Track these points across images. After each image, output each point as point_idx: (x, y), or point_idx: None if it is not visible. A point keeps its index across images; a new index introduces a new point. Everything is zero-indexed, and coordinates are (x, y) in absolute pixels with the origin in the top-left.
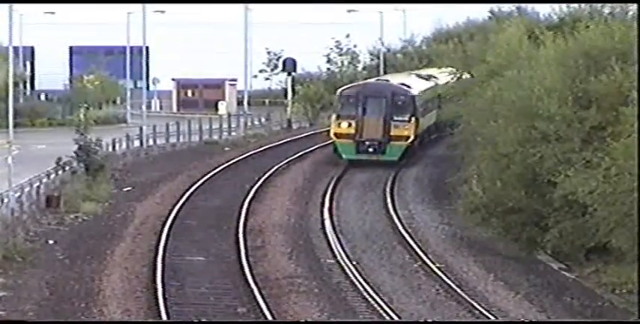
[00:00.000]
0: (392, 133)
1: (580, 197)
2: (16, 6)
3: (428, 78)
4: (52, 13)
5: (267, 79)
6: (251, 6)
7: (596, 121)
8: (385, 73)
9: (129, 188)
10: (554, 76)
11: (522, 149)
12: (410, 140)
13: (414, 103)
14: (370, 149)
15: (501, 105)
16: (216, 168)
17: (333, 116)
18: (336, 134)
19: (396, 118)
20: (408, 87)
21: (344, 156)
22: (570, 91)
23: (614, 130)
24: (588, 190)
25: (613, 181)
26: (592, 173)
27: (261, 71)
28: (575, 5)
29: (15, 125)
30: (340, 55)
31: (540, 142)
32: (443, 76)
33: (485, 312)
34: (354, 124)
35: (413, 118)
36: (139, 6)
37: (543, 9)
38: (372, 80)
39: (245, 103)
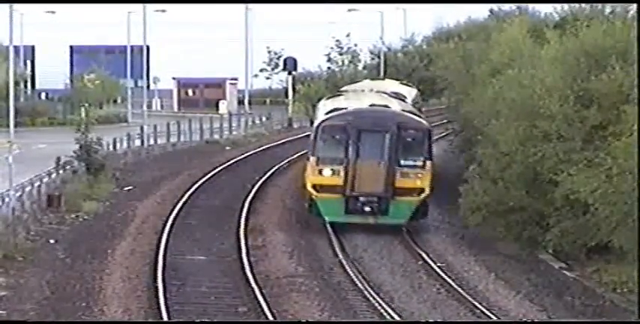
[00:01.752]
0: (398, 185)
1: (582, 196)
2: (16, 5)
3: (399, 97)
4: (53, 12)
5: (267, 78)
6: (251, 6)
7: (597, 121)
8: (385, 73)
9: (130, 187)
10: (555, 74)
11: (523, 148)
12: (424, 194)
13: (429, 140)
14: (366, 208)
15: (503, 104)
16: (217, 167)
17: (311, 159)
18: (315, 186)
19: (404, 162)
20: (418, 116)
21: (327, 218)
22: (571, 90)
23: (614, 130)
24: (590, 190)
25: (614, 181)
26: (593, 172)
27: (261, 70)
28: (576, 5)
29: (16, 124)
30: (341, 54)
31: (541, 141)
32: (405, 91)
33: (486, 311)
34: (342, 171)
35: (428, 162)
36: (139, 5)
37: (544, 8)
38: (347, 104)
39: (246, 102)
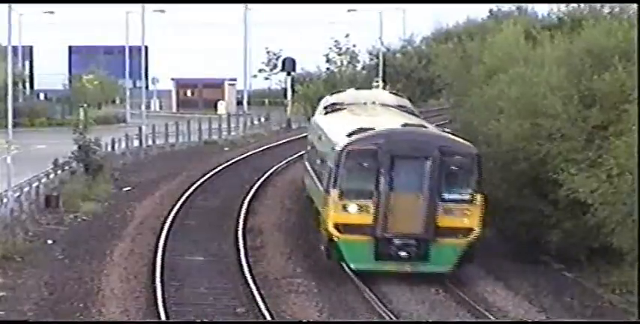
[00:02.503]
0: (441, 224)
1: (582, 196)
2: (15, 6)
3: (409, 111)
4: (52, 12)
5: (266, 78)
6: (251, 6)
7: (598, 120)
8: (385, 73)
9: (128, 188)
10: (559, 74)
11: (525, 144)
12: (473, 236)
13: (478, 168)
14: (402, 253)
15: (504, 102)
16: (216, 168)
17: (332, 192)
18: (338, 226)
19: (448, 195)
20: (463, 139)
21: (353, 265)
22: (577, 89)
23: (616, 129)
24: (590, 189)
25: (615, 181)
26: (593, 172)
27: (260, 71)
28: (575, 5)
29: (14, 125)
30: (339, 54)
31: (544, 140)
32: (408, 103)
33: (484, 312)
34: (371, 207)
35: (478, 196)
36: (138, 6)
37: (543, 9)
38: (377, 125)
39: (244, 102)
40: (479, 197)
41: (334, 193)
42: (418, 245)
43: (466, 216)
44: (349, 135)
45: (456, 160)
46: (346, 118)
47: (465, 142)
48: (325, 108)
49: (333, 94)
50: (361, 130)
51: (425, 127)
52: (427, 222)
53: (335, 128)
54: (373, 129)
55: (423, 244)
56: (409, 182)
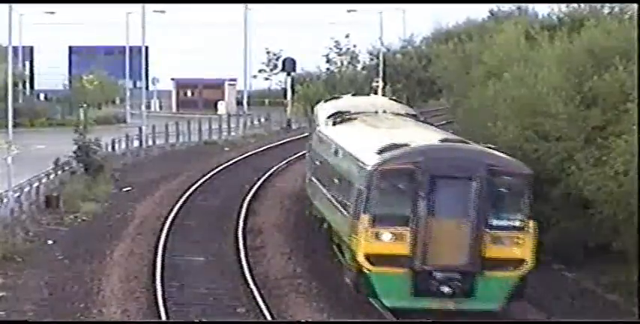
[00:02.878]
0: (489, 255)
1: (586, 195)
2: (15, 6)
3: (425, 122)
4: (52, 13)
5: (266, 79)
6: (251, 6)
7: (599, 120)
8: (385, 73)
9: (128, 188)
10: (559, 74)
11: (524, 142)
12: (525, 268)
13: (529, 191)
14: (444, 288)
15: (503, 102)
16: (216, 168)
17: (362, 218)
18: (369, 257)
19: (496, 222)
20: (510, 156)
21: (387, 302)
22: (576, 89)
23: (615, 129)
24: (597, 187)
25: (620, 179)
26: (601, 169)
27: (260, 71)
28: (575, 5)
29: (14, 125)
30: (339, 55)
31: (543, 140)
32: (413, 111)
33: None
34: (408, 235)
35: (530, 222)
36: (138, 6)
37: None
38: (411, 139)
39: (244, 103)
40: (531, 224)
41: (365, 218)
42: (463, 279)
43: (517, 245)
44: (380, 152)
45: (506, 180)
46: (364, 130)
47: (515, 160)
48: (331, 117)
49: (327, 100)
50: (394, 146)
51: (466, 142)
52: (473, 252)
53: (356, 142)
54: (407, 145)
55: (469, 278)
56: (452, 206)
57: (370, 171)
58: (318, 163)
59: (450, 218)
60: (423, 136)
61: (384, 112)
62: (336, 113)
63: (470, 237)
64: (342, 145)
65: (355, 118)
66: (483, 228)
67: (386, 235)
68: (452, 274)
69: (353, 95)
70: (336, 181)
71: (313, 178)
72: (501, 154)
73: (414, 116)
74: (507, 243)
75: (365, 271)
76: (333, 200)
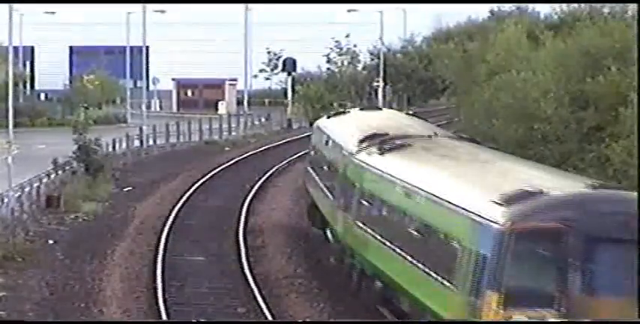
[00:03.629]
0: None
1: None
2: (16, 6)
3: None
4: (52, 13)
5: (267, 78)
6: (251, 6)
7: (594, 122)
8: (385, 73)
9: (129, 188)
10: (549, 77)
11: (521, 150)
12: None
13: None
14: None
15: (499, 106)
16: (217, 168)
17: (488, 294)
18: None
19: None
20: None
21: None
22: (567, 92)
23: (612, 131)
24: None
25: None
26: (602, 168)
27: (261, 71)
28: (575, 5)
29: (15, 125)
30: (340, 54)
31: (540, 143)
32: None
33: None
34: (555, 319)
35: None
36: (139, 6)
37: (544, 9)
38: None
39: (245, 103)
40: None
41: (492, 297)
42: None
43: None
44: (508, 203)
45: None
46: (446, 165)
47: None
48: (367, 142)
49: (330, 117)
50: (526, 194)
51: (624, 189)
52: None
53: (449, 184)
54: (543, 193)
55: None
56: (617, 281)
57: (500, 230)
58: (366, 201)
59: (614, 296)
60: (542, 174)
61: (436, 134)
62: (373, 136)
63: None
64: (426, 188)
65: (411, 145)
66: None
67: (523, 319)
68: None
69: (361, 110)
70: (417, 235)
71: (359, 223)
72: None
73: (468, 140)
74: None
75: None
76: (420, 265)
